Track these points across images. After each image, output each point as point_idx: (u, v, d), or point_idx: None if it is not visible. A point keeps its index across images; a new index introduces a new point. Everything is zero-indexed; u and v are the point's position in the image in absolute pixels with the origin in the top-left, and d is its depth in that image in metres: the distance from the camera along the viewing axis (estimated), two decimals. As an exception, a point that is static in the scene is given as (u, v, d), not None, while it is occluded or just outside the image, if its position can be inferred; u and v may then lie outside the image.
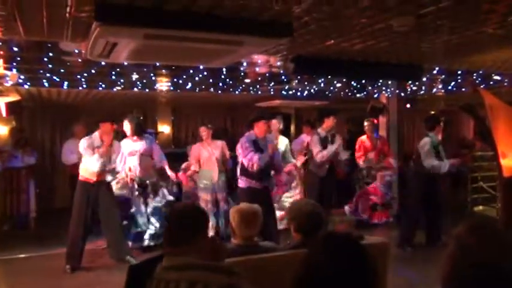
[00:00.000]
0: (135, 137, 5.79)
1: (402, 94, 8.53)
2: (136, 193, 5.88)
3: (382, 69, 5.18)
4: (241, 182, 5.23)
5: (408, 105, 9.81)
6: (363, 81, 7.26)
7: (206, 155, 6.35)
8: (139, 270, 2.15)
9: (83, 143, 5.16)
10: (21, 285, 4.92)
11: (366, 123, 7.27)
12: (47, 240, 6.59)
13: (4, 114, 7.05)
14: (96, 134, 5.24)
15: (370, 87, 7.93)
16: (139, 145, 5.84)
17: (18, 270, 5.39)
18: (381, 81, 7.33)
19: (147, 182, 5.95)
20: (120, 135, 5.86)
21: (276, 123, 6.47)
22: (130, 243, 5.76)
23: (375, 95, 8.54)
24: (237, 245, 2.93)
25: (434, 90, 8.46)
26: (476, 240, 1.36)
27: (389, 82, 7.51)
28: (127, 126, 5.71)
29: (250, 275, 2.03)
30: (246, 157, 5.07)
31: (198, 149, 6.44)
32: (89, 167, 5.16)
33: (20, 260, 5.72)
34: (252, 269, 2.45)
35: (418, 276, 4.86)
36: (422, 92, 8.62)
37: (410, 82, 7.26)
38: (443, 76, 6.69)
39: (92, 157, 5.09)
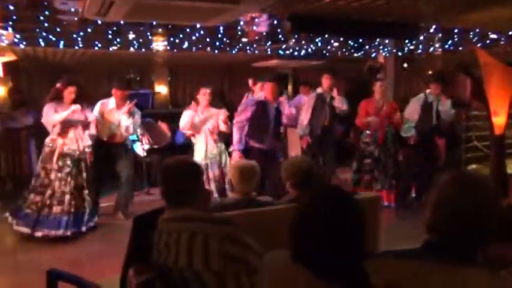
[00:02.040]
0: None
1: (399, 54, 8.51)
2: None
3: (379, 28, 5.18)
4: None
5: (405, 65, 9.80)
6: (360, 40, 7.23)
7: (198, 125, 5.56)
8: (144, 221, 2.26)
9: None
10: (22, 241, 4.97)
11: (378, 84, 6.18)
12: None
13: (1, 74, 7.03)
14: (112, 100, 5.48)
15: (367, 47, 7.90)
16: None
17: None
18: (378, 40, 7.30)
19: None
20: None
21: None
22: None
23: (373, 55, 8.52)
24: (235, 199, 3.05)
25: (432, 49, 8.44)
26: (455, 190, 1.44)
27: (387, 41, 7.48)
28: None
29: (247, 227, 2.13)
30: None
31: (190, 116, 5.53)
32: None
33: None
34: (249, 222, 2.57)
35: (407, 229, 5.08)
36: (419, 51, 8.59)
37: (407, 41, 7.22)
38: (440, 35, 6.67)
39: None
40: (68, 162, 4.99)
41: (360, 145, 6.24)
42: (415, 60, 9.71)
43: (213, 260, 1.93)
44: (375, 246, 2.88)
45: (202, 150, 5.55)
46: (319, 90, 6.29)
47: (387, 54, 8.04)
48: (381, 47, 7.87)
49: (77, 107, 4.95)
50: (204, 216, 2.09)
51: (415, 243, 1.49)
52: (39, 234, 4.78)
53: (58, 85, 5.04)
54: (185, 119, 5.56)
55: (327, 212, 1.48)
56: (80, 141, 5.09)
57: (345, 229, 1.46)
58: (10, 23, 4.83)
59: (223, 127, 5.59)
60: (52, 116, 4.92)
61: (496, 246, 1.60)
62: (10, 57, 6.91)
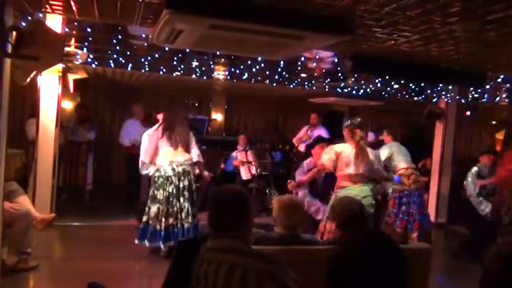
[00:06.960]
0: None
1: (463, 101, 8.24)
2: None
3: (443, 74, 5.04)
4: None
5: (468, 113, 9.44)
6: (422, 84, 7.08)
7: None
8: (187, 247, 2.27)
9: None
10: (72, 250, 5.27)
11: None
12: (100, 212, 7.00)
13: (71, 90, 7.45)
14: None
15: (429, 91, 7.72)
16: None
17: (71, 237, 5.78)
18: (441, 85, 7.12)
19: None
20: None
21: None
22: None
23: (434, 99, 8.30)
24: (280, 234, 3.00)
25: (498, 99, 8.10)
26: (499, 266, 1.40)
27: (450, 87, 7.27)
28: None
29: (289, 264, 2.08)
30: None
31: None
32: None
33: (73, 228, 6.09)
34: (291, 259, 2.51)
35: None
36: (484, 100, 8.28)
37: (471, 89, 6.99)
38: (508, 85, 6.41)
39: None
40: None
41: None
42: (479, 108, 9.36)
43: None
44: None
45: None
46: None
47: (449, 101, 7.79)
48: (444, 93, 7.65)
49: None
50: (246, 249, 2.03)
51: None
52: None
53: None
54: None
55: (370, 256, 1.44)
56: None
57: (385, 275, 1.43)
58: (86, 43, 5.16)
59: None
60: None
61: None
62: (82, 75, 7.32)
